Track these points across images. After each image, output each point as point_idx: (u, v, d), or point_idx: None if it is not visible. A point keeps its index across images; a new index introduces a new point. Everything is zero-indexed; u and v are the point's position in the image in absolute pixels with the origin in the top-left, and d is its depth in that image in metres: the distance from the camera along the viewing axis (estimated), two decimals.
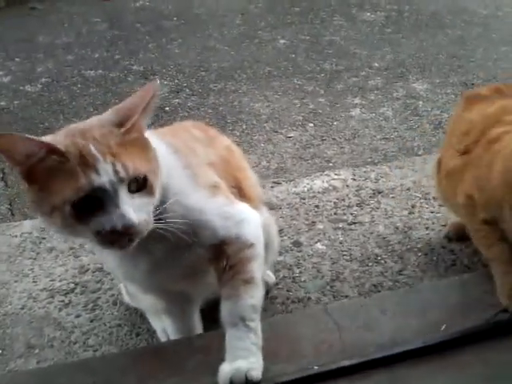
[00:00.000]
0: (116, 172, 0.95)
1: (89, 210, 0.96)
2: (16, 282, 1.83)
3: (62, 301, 1.75)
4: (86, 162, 0.95)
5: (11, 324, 1.66)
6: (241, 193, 1.32)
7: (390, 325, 1.32)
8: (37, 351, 1.56)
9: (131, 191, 0.98)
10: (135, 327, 1.64)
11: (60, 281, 1.83)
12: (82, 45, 4.22)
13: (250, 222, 1.23)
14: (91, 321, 1.67)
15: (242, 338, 1.15)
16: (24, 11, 5.03)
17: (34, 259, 1.94)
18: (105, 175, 0.95)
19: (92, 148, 0.96)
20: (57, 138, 0.99)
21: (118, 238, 0.99)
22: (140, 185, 1.00)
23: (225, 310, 1.17)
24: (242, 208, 1.25)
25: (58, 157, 0.95)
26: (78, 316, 1.69)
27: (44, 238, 2.03)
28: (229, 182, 1.28)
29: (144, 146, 1.04)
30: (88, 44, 4.24)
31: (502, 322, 1.29)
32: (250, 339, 1.15)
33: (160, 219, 1.05)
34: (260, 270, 1.22)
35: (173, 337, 1.44)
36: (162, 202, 1.07)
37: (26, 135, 0.95)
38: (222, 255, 1.18)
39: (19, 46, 4.26)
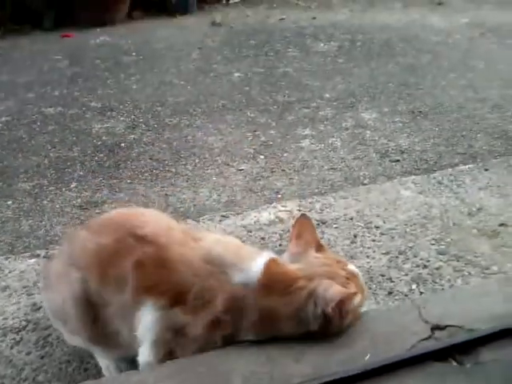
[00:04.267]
0: None
1: None
2: None
3: (14, 338, 1.75)
4: None
5: None
6: None
7: (316, 356, 1.32)
8: None
9: None
10: (83, 363, 1.65)
11: (13, 319, 1.84)
12: (43, 82, 4.20)
13: None
14: (41, 357, 1.68)
15: None
16: None
17: None
18: None
19: None
20: None
21: None
22: None
23: None
24: None
25: None
26: (28, 353, 1.70)
27: None
28: None
29: None
30: (49, 82, 4.21)
31: (424, 350, 1.32)
32: None
33: None
34: None
35: (114, 373, 1.49)
36: None
37: None
38: None
39: None
